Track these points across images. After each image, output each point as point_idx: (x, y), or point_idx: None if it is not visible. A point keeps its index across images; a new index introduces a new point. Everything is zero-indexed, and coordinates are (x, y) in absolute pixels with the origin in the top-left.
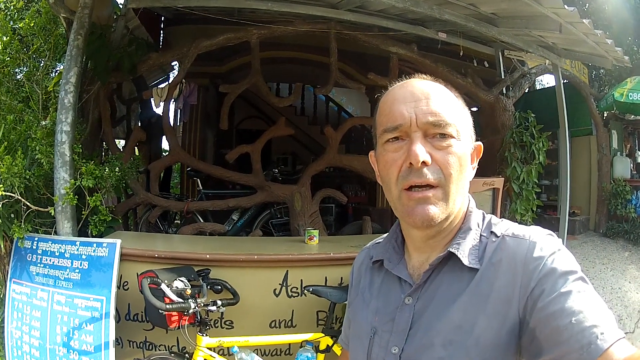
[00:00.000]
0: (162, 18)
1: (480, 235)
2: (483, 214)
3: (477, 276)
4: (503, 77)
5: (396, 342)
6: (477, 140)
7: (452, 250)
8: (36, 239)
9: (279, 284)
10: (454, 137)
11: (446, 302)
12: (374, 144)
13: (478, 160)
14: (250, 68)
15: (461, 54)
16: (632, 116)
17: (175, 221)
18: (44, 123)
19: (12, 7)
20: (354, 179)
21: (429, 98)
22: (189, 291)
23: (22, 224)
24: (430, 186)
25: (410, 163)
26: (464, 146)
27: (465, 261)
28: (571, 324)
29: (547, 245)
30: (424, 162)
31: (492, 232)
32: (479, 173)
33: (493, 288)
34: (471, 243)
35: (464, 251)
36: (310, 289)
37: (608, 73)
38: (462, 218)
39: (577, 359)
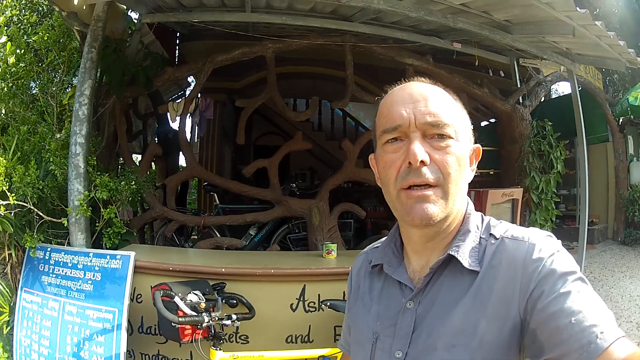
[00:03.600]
0: (178, 34)
1: (480, 237)
2: (482, 216)
3: (478, 279)
4: (519, 86)
5: (399, 347)
6: (495, 148)
7: (452, 253)
8: (49, 249)
9: (296, 299)
10: (452, 138)
11: (448, 306)
12: (374, 146)
13: (477, 162)
14: (266, 83)
15: (477, 63)
16: None
17: (192, 236)
18: (58, 136)
19: (25, 21)
20: (372, 193)
21: (427, 99)
22: (203, 304)
23: (35, 233)
24: (429, 185)
25: (410, 163)
26: (463, 147)
27: (466, 263)
28: (571, 324)
29: (546, 246)
30: (422, 162)
31: (491, 234)
32: (498, 183)
33: (493, 290)
34: (471, 245)
35: (464, 253)
36: (328, 304)
37: (621, 77)
38: (461, 220)
39: (577, 358)
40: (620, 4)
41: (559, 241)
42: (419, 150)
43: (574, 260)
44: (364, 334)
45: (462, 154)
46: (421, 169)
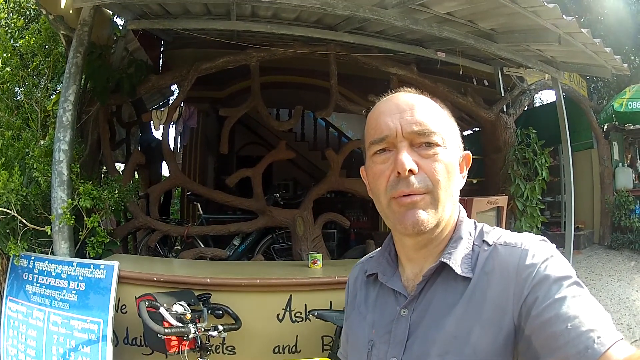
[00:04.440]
0: (162, 41)
1: (473, 244)
2: (475, 223)
3: (471, 285)
4: (503, 94)
5: (394, 354)
6: (478, 158)
7: (444, 260)
8: (33, 258)
9: (283, 309)
10: (439, 145)
11: (441, 313)
12: (363, 158)
13: (468, 169)
14: (250, 93)
15: (461, 72)
16: (632, 126)
17: (176, 246)
18: (42, 142)
19: (12, 25)
20: (355, 203)
21: (413, 109)
22: (189, 315)
23: (19, 241)
24: (418, 193)
25: (398, 172)
26: (451, 154)
27: (458, 270)
28: (567, 330)
29: (539, 252)
30: (410, 171)
31: (484, 240)
32: (483, 192)
33: (487, 297)
34: (463, 252)
35: (456, 260)
36: (315, 313)
37: (606, 85)
38: (453, 227)
39: None
40: (607, 12)
41: (554, 245)
42: (407, 159)
43: (569, 265)
44: (360, 341)
45: (450, 161)
46: (409, 178)
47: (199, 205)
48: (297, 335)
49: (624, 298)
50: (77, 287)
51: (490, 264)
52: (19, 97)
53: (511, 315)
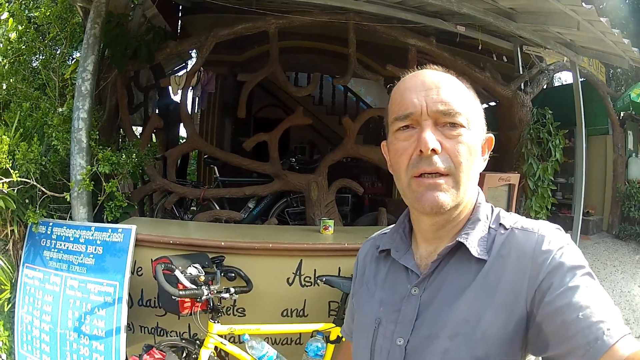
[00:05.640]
0: (180, 7)
1: (489, 227)
2: (492, 206)
3: (485, 268)
4: (521, 72)
5: (401, 334)
6: (492, 134)
7: (461, 240)
8: (51, 224)
9: (293, 273)
10: (464, 127)
11: (453, 294)
12: (385, 133)
13: (489, 152)
14: (269, 57)
15: (480, 47)
16: None
17: (192, 208)
18: (60, 110)
19: None
20: (371, 169)
21: (439, 87)
22: (202, 278)
23: (37, 209)
24: (440, 174)
25: (421, 151)
26: (474, 136)
27: (474, 252)
28: (578, 319)
29: (555, 239)
30: (433, 150)
31: (500, 224)
32: (496, 168)
33: (501, 280)
34: (480, 234)
35: (473, 241)
36: (324, 279)
37: (625, 72)
38: (471, 210)
39: (583, 354)
40: (627, 1)
41: (568, 235)
42: (430, 138)
43: (582, 255)
44: (366, 319)
45: (473, 143)
46: (432, 157)
47: (216, 168)
48: (305, 300)
49: (626, 291)
50: (95, 251)
51: (507, 248)
52: (35, 65)
53: (524, 300)
